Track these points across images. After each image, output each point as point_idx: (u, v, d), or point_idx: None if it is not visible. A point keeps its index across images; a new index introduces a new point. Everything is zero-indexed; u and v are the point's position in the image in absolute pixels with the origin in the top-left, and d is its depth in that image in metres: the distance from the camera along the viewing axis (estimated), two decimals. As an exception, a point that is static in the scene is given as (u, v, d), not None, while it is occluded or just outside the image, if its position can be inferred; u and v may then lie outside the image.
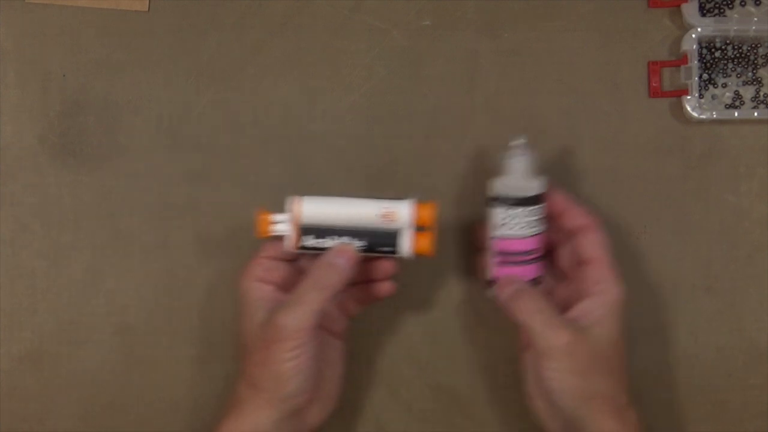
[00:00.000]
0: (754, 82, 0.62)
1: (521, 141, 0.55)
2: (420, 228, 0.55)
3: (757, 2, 0.62)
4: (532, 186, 0.55)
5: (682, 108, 0.61)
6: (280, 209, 0.54)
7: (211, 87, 0.62)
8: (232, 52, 0.62)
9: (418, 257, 0.55)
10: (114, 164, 0.62)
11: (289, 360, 0.51)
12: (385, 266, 0.56)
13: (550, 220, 0.56)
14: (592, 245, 0.54)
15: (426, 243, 0.55)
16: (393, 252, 0.55)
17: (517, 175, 0.55)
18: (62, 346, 0.61)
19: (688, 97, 0.60)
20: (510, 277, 0.55)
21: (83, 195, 0.62)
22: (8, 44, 0.62)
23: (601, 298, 0.53)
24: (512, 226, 0.55)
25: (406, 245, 0.54)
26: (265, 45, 0.62)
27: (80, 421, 0.61)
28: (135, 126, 0.62)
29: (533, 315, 0.52)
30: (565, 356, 0.51)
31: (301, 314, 0.51)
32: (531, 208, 0.54)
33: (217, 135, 0.62)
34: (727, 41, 0.62)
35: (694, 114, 0.60)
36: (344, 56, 0.62)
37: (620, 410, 0.52)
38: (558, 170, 0.61)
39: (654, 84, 0.62)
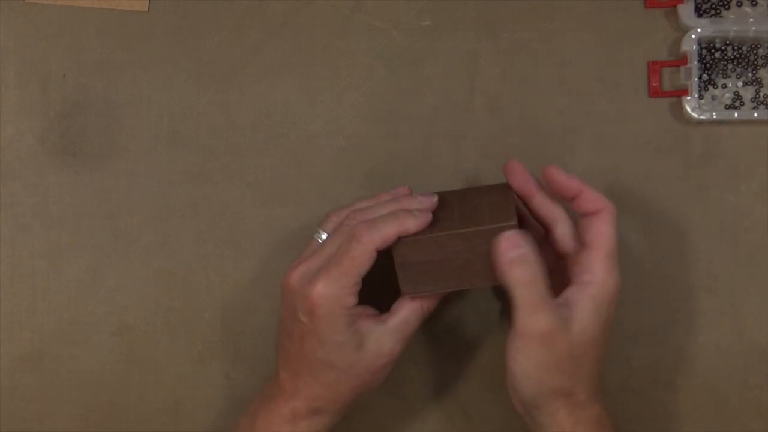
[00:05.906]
0: (754, 83, 0.62)
1: None
2: None
3: (754, 3, 0.62)
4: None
5: (682, 108, 0.61)
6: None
7: (211, 87, 0.62)
8: (232, 52, 0.62)
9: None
10: (114, 164, 0.62)
11: (380, 382, 0.52)
12: None
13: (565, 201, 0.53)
14: (596, 231, 0.51)
15: None
16: None
17: None
18: (62, 346, 0.61)
19: (688, 98, 0.60)
20: (519, 240, 0.50)
21: (83, 195, 0.62)
22: (8, 44, 0.62)
23: (586, 289, 0.50)
24: None
25: None
26: (265, 45, 0.62)
27: (80, 421, 0.61)
28: (135, 126, 0.62)
29: (523, 287, 0.49)
30: (534, 345, 0.49)
31: (401, 340, 0.52)
32: None
33: (217, 135, 0.62)
34: (727, 42, 0.62)
35: (694, 115, 0.60)
36: (344, 56, 0.62)
37: (577, 406, 0.50)
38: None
39: (654, 84, 0.62)
